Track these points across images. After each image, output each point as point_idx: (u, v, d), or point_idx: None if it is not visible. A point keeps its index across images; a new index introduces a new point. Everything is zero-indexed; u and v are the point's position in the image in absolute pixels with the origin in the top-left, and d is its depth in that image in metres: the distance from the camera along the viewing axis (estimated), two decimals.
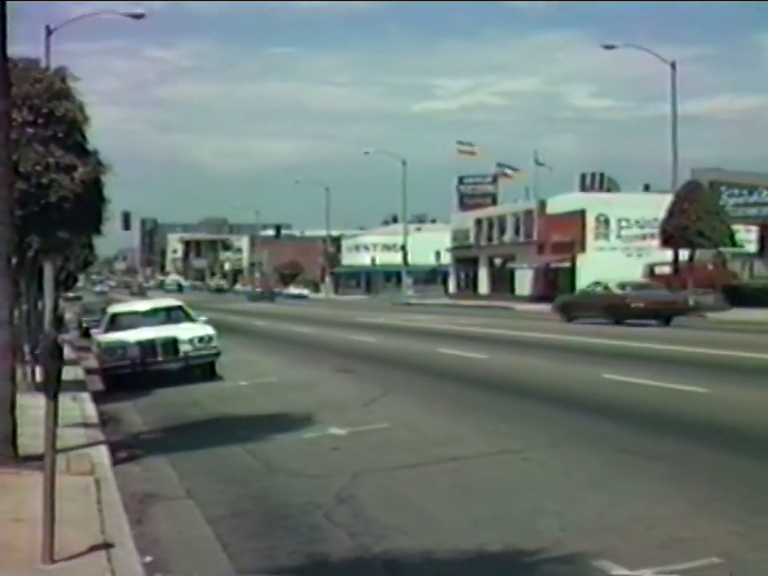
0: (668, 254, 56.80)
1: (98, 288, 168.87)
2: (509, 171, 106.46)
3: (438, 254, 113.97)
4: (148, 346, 24.54)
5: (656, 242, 59.74)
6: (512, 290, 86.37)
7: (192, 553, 9.03)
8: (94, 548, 8.23)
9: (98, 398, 21.33)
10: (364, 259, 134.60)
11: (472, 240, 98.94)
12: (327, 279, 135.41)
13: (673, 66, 57.56)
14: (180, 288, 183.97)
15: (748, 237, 66.79)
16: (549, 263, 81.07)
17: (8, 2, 11.95)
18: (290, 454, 13.95)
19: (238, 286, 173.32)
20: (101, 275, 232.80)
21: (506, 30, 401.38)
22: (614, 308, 43.54)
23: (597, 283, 48.69)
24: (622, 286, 46.59)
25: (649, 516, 9.32)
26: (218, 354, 25.64)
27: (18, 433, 12.12)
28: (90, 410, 18.42)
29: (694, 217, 51.53)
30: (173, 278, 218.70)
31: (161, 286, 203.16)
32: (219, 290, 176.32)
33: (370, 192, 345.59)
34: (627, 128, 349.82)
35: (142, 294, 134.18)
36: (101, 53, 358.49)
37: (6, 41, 11.94)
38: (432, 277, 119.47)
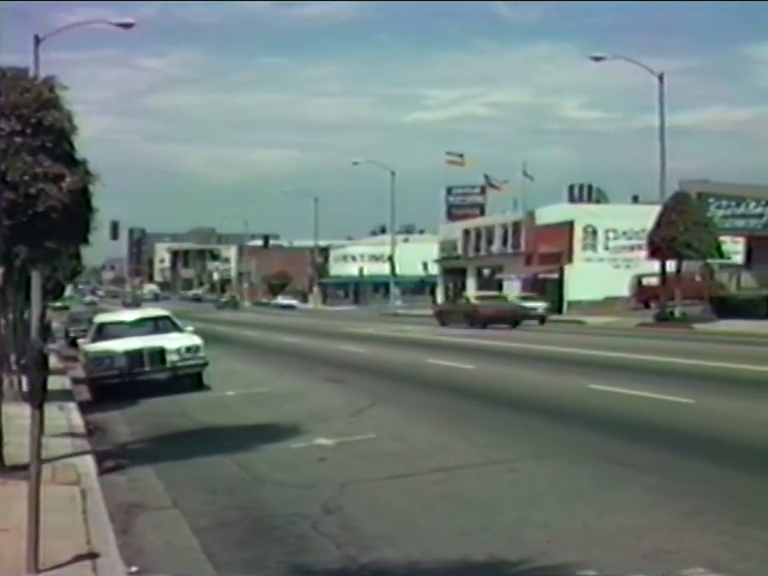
0: (656, 265, 56.86)
1: (87, 298, 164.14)
2: (498, 183, 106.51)
3: (425, 265, 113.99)
4: (135, 356, 24.50)
5: (644, 253, 59.83)
6: None
7: (178, 563, 9.00)
8: (79, 558, 8.21)
9: (84, 407, 21.28)
10: (352, 270, 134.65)
11: (460, 251, 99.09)
12: (315, 289, 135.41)
13: (660, 78, 57.74)
14: (156, 297, 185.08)
15: (735, 248, 66.79)
16: (537, 274, 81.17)
17: None
18: (278, 464, 13.94)
19: (209, 296, 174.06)
20: (89, 284, 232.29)
21: (495, 41, 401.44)
22: (470, 315, 55.71)
23: (462, 295, 63.54)
24: (478, 297, 61.36)
25: (635, 527, 9.33)
26: (205, 364, 25.60)
27: (4, 442, 12.11)
28: (77, 420, 18.39)
29: (681, 228, 51.64)
30: (149, 287, 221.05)
31: (118, 295, 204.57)
32: (196, 299, 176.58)
33: (359, 202, 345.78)
34: (616, 139, 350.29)
35: (137, 305, 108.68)
36: (91, 62, 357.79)
37: None
38: (420, 287, 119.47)
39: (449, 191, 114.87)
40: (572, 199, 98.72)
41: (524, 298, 66.12)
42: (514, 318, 54.92)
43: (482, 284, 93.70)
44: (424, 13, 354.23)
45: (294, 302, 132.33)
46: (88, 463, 13.30)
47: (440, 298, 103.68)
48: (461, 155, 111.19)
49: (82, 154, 18.88)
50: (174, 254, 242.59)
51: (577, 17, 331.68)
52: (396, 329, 54.35)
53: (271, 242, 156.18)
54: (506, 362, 29.57)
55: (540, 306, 63.44)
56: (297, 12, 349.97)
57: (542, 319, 60.24)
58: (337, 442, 15.37)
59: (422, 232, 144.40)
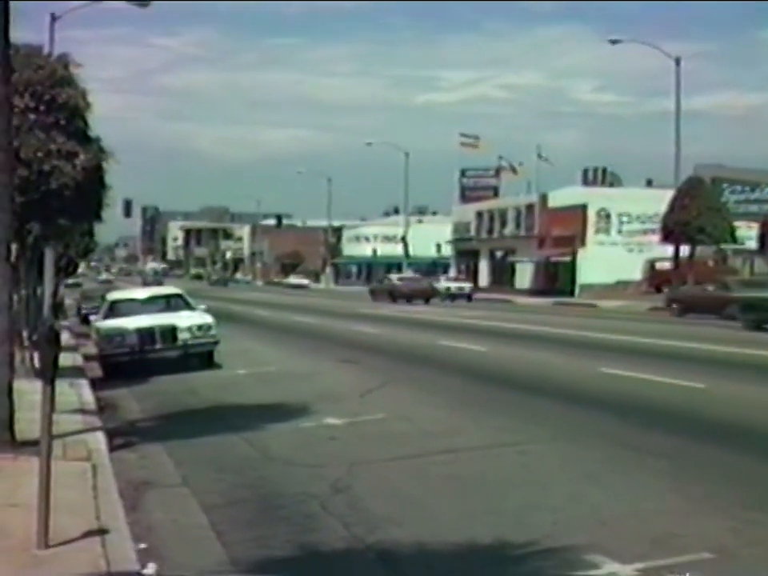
0: (669, 250, 56.80)
1: (102, 276, 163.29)
2: (515, 167, 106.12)
3: (438, 246, 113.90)
4: (147, 334, 24.55)
5: (657, 238, 59.73)
6: (512, 283, 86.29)
7: (186, 541, 9.05)
8: (88, 534, 8.25)
9: (95, 384, 21.34)
10: (365, 250, 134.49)
11: (473, 233, 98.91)
12: (328, 269, 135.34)
13: (677, 61, 57.52)
14: (156, 274, 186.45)
15: (749, 233, 66.71)
16: (549, 257, 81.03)
17: None
18: (287, 443, 13.98)
19: (207, 275, 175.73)
20: (101, 262, 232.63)
21: (509, 23, 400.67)
22: (391, 292, 70.32)
23: (387, 276, 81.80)
24: (398, 279, 76.41)
25: (643, 511, 9.34)
26: (216, 343, 25.65)
27: (16, 418, 12.14)
28: (88, 397, 18.44)
29: (695, 213, 51.56)
30: (150, 265, 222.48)
31: (131, 273, 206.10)
32: (198, 277, 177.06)
33: (372, 183, 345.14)
34: (630, 123, 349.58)
35: (159, 284, 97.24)
36: (104, 40, 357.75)
37: (8, 26, 11.93)
38: (433, 269, 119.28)
39: (462, 173, 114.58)
40: (585, 182, 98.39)
41: (454, 279, 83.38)
42: (425, 295, 68.94)
43: (495, 266, 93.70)
44: None
45: (305, 281, 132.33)
46: (98, 440, 13.35)
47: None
48: (476, 137, 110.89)
49: (95, 132, 18.98)
50: (187, 233, 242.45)
51: (591, 0, 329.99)
52: (408, 310, 54.36)
53: (284, 221, 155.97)
54: (519, 344, 29.54)
55: (466, 286, 78.42)
56: None
57: (469, 297, 73.84)
58: (346, 422, 15.40)
59: (435, 213, 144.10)
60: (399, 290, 69.99)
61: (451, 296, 72.84)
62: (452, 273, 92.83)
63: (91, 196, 18.99)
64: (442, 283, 78.36)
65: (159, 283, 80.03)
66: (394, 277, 79.05)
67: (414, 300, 67.15)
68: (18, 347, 19.04)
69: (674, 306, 46.78)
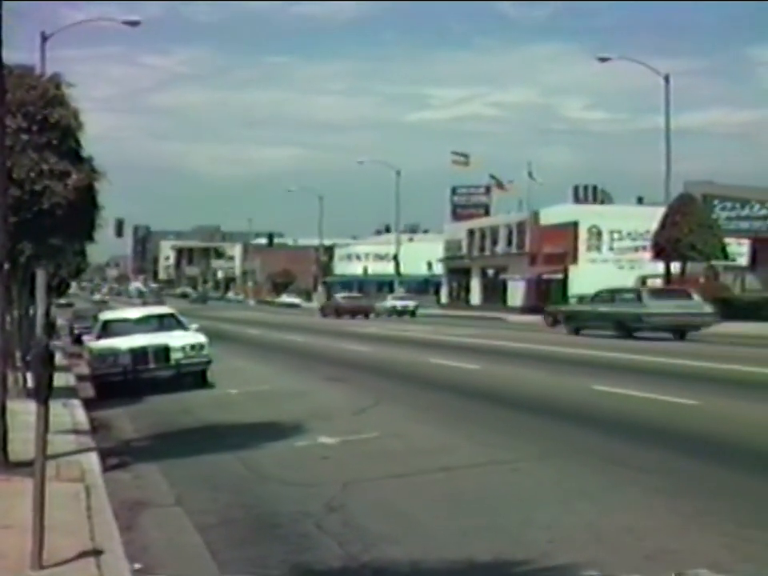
0: (660, 267, 56.91)
1: (96, 296, 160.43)
2: (506, 185, 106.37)
3: (430, 265, 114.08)
4: (140, 353, 24.54)
5: (648, 255, 59.90)
6: (504, 300, 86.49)
7: (181, 560, 9.02)
8: (83, 555, 8.23)
9: (88, 404, 21.30)
10: (356, 269, 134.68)
11: (464, 250, 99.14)
12: (319, 288, 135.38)
13: (666, 78, 57.77)
14: (141, 294, 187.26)
15: (740, 250, 66.96)
16: (541, 274, 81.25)
17: (3, 8, 11.96)
18: (281, 462, 13.96)
19: (188, 293, 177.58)
20: (92, 282, 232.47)
21: (500, 40, 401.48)
22: (336, 309, 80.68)
23: (334, 296, 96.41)
24: (342, 297, 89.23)
25: (638, 527, 9.35)
26: (209, 362, 25.64)
27: (9, 439, 12.12)
28: (81, 417, 18.41)
29: (686, 230, 51.72)
30: (135, 285, 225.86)
31: (121, 293, 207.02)
32: (184, 296, 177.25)
33: (363, 201, 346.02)
34: (621, 140, 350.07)
35: (160, 303, 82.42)
36: (96, 59, 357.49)
37: (0, 47, 11.95)
38: (424, 287, 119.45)
39: (453, 191, 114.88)
40: (577, 200, 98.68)
41: (401, 298, 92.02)
42: (365, 312, 79.36)
43: (487, 284, 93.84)
44: (429, 12, 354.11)
45: (297, 300, 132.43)
46: (92, 460, 13.32)
47: (444, 297, 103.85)
48: (466, 155, 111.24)
49: (87, 152, 18.98)
50: (179, 252, 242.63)
51: (582, 17, 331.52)
52: (399, 328, 54.39)
53: (276, 240, 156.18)
54: (511, 362, 29.58)
55: (411, 303, 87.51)
56: (302, 10, 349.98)
57: (413, 313, 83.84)
58: (340, 440, 15.39)
59: (426, 231, 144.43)
60: (343, 307, 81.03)
61: (397, 312, 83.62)
62: (399, 292, 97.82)
63: (83, 216, 18.98)
64: (389, 301, 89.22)
65: (161, 303, 80.00)
66: (338, 296, 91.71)
67: (356, 316, 76.98)
68: (11, 368, 19.00)
69: (548, 318, 53.42)
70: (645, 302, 42.10)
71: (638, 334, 40.98)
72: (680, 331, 41.12)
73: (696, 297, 44.60)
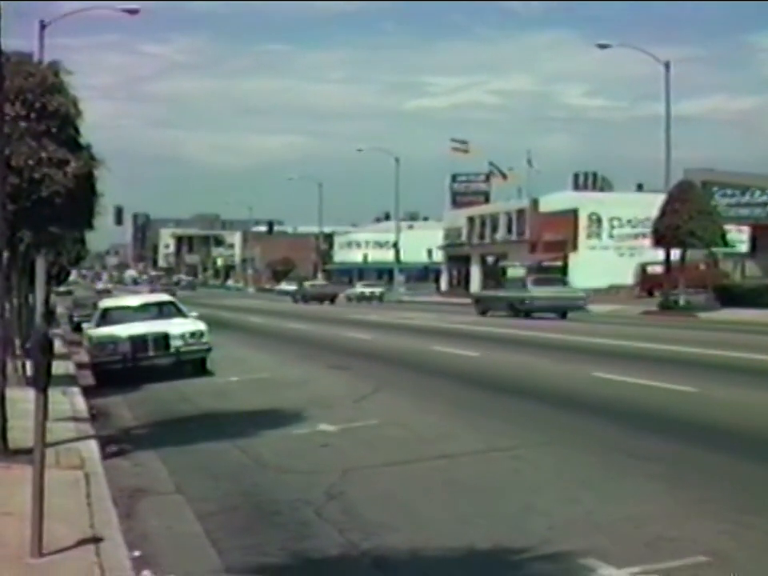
0: (660, 254, 56.86)
1: (100, 285, 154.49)
2: (504, 172, 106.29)
3: (430, 252, 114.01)
4: (139, 341, 24.52)
5: (648, 242, 59.83)
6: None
7: (181, 548, 9.03)
8: (82, 542, 8.24)
9: (88, 392, 21.32)
10: (356, 256, 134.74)
11: (464, 238, 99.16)
12: (319, 276, 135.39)
13: (666, 66, 57.62)
14: (135, 282, 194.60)
15: (740, 237, 66.86)
16: (541, 262, 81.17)
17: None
18: (280, 450, 13.96)
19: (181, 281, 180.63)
20: (92, 270, 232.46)
21: (499, 28, 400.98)
22: (304, 296, 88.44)
23: (303, 283, 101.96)
24: (310, 285, 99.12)
25: (638, 515, 9.34)
26: (209, 350, 25.63)
27: (9, 426, 12.12)
28: (80, 405, 18.42)
29: (686, 217, 51.59)
30: (129, 273, 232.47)
31: (120, 281, 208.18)
32: (176, 284, 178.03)
33: (363, 189, 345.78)
34: (621, 128, 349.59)
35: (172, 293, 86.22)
36: (95, 47, 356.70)
37: None
38: (424, 274, 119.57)
39: (453, 178, 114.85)
40: (576, 187, 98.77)
41: (369, 285, 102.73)
42: (331, 297, 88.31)
43: (486, 271, 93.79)
44: (428, 0, 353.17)
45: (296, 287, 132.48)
46: (91, 448, 13.33)
47: (444, 284, 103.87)
48: (465, 142, 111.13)
49: (86, 139, 18.95)
50: (179, 240, 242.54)
51: (580, 5, 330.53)
52: (400, 316, 54.39)
53: (275, 228, 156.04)
54: (511, 349, 29.57)
55: (378, 289, 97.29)
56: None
57: (380, 298, 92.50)
58: (340, 428, 15.39)
59: (426, 219, 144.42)
60: (310, 294, 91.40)
61: (366, 298, 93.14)
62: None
63: (82, 204, 18.94)
64: (358, 288, 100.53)
65: (173, 293, 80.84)
66: (307, 284, 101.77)
67: (323, 301, 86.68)
68: (11, 356, 19.00)
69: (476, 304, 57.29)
70: (528, 288, 51.53)
71: (528, 314, 49.15)
72: (560, 311, 49.50)
73: (571, 283, 56.76)
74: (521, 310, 49.75)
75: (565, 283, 57.03)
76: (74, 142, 18.18)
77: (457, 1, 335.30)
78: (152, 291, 73.91)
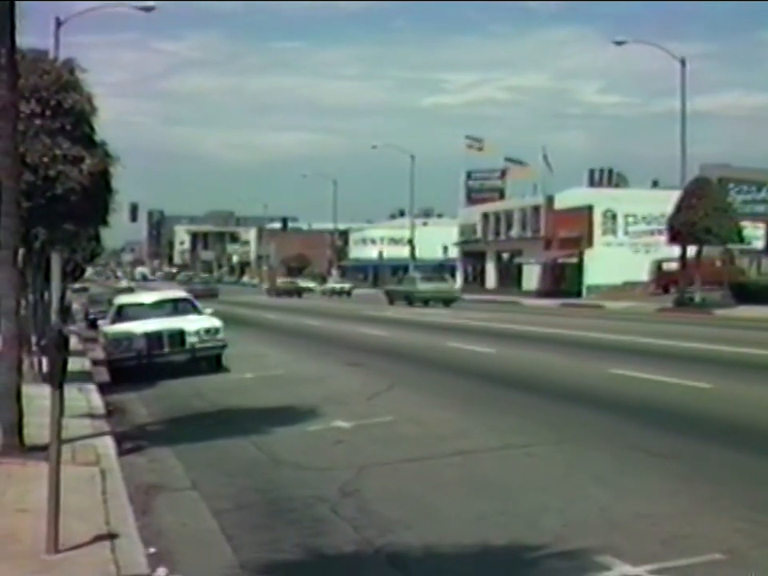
0: (675, 250, 56.69)
1: (123, 283, 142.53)
2: (521, 168, 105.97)
3: (445, 249, 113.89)
4: (155, 338, 24.57)
5: (663, 238, 59.62)
6: (519, 284, 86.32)
7: (196, 544, 9.04)
8: (98, 538, 8.25)
9: (103, 389, 21.38)
10: (371, 253, 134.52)
11: (479, 235, 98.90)
12: (334, 272, 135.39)
13: (683, 62, 57.48)
14: (144, 278, 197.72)
15: (756, 233, 66.55)
16: (556, 258, 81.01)
17: None
18: (295, 446, 13.97)
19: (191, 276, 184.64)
20: (107, 267, 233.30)
21: (513, 25, 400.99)
22: (277, 291, 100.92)
23: (275, 280, 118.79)
24: (280, 282, 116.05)
25: (652, 512, 9.32)
26: (224, 346, 25.66)
27: (24, 423, 12.16)
28: (96, 401, 18.47)
29: (701, 213, 51.44)
30: (139, 270, 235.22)
31: (132, 278, 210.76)
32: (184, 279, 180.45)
33: (378, 186, 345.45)
34: (636, 124, 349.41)
35: (212, 294, 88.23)
36: (109, 45, 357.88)
37: (14, 32, 11.96)
38: (439, 271, 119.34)
39: (468, 175, 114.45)
40: (592, 183, 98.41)
41: (338, 281, 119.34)
42: (297, 291, 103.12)
43: (501, 268, 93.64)
44: None
45: (311, 284, 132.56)
46: (107, 444, 13.36)
47: (459, 281, 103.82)
48: (479, 140, 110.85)
49: (100, 137, 19.01)
50: (194, 237, 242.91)
51: (595, 2, 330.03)
52: (415, 312, 54.36)
53: (290, 224, 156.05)
54: (527, 346, 29.53)
55: (347, 286, 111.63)
56: None
57: (348, 293, 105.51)
58: (354, 424, 15.39)
59: (441, 216, 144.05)
60: (281, 288, 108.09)
61: (336, 293, 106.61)
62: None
63: (97, 200, 19.01)
64: (329, 284, 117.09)
65: (213, 295, 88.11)
66: (279, 280, 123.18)
67: (292, 295, 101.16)
68: (26, 352, 19.06)
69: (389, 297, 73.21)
70: (417, 284, 68.67)
71: (425, 302, 64.84)
72: (442, 301, 64.51)
73: (450, 280, 77.82)
74: (413, 299, 66.27)
75: (445, 280, 74.99)
76: (88, 139, 18.25)
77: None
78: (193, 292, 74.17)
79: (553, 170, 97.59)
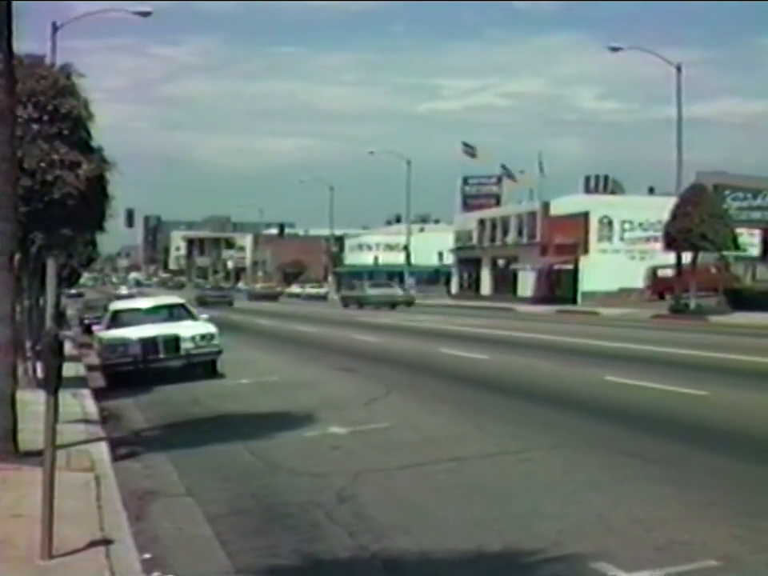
0: (671, 257, 56.74)
1: (123, 290, 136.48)
2: (514, 175, 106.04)
3: (440, 255, 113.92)
4: (150, 343, 24.55)
5: (659, 245, 59.68)
6: (514, 291, 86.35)
7: (191, 550, 9.03)
8: (92, 544, 8.24)
9: (98, 394, 21.34)
10: (367, 259, 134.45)
11: (475, 241, 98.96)
12: (330, 278, 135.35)
13: (678, 68, 57.55)
14: (138, 284, 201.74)
15: (751, 240, 66.69)
16: (552, 265, 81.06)
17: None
18: (291, 452, 13.96)
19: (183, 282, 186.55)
20: (102, 272, 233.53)
21: (510, 31, 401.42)
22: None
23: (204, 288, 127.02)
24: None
25: (648, 519, 9.32)
26: (219, 352, 25.66)
27: (19, 428, 12.13)
28: (91, 407, 18.44)
29: (697, 220, 51.49)
30: (133, 275, 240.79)
31: (124, 283, 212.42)
32: (181, 286, 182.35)
33: (374, 191, 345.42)
34: (632, 130, 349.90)
35: (228, 303, 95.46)
36: (106, 50, 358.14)
37: (11, 37, 11.95)
38: (435, 277, 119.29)
39: (464, 181, 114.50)
40: (588, 190, 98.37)
41: (313, 287, 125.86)
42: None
43: (497, 274, 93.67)
44: (440, 2, 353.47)
45: (321, 290, 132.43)
46: (102, 450, 13.34)
47: (454, 287, 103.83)
48: (472, 147, 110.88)
49: (97, 142, 19.00)
50: (190, 242, 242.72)
51: (592, 7, 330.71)
52: (410, 318, 54.38)
53: (286, 230, 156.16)
54: (521, 352, 29.54)
55: (323, 290, 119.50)
56: (312, 1, 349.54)
57: (324, 297, 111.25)
58: (350, 430, 15.39)
59: (437, 222, 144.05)
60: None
61: (314, 297, 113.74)
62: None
63: (94, 206, 19.00)
64: (306, 289, 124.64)
65: (229, 302, 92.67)
66: (258, 285, 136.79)
67: (268, 299, 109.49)
68: (21, 358, 19.03)
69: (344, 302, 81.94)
70: (366, 290, 79.80)
71: (366, 307, 72.76)
72: (388, 305, 71.43)
73: (395, 287, 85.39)
74: (363, 303, 74.40)
75: (391, 287, 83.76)
76: (85, 145, 18.25)
77: (467, 2, 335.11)
78: (204, 299, 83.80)
79: (545, 173, 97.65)
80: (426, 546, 8.67)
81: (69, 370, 22.06)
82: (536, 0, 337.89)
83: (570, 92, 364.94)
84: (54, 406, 8.24)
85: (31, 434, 12.11)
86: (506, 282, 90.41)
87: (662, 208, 59.52)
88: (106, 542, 8.33)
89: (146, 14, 43.58)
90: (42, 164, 17.05)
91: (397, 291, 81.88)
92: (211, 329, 25.72)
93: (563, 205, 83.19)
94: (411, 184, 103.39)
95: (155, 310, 27.58)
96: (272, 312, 70.48)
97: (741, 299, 52.61)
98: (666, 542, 8.50)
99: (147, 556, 8.46)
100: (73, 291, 76.18)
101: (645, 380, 20.05)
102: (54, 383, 8.31)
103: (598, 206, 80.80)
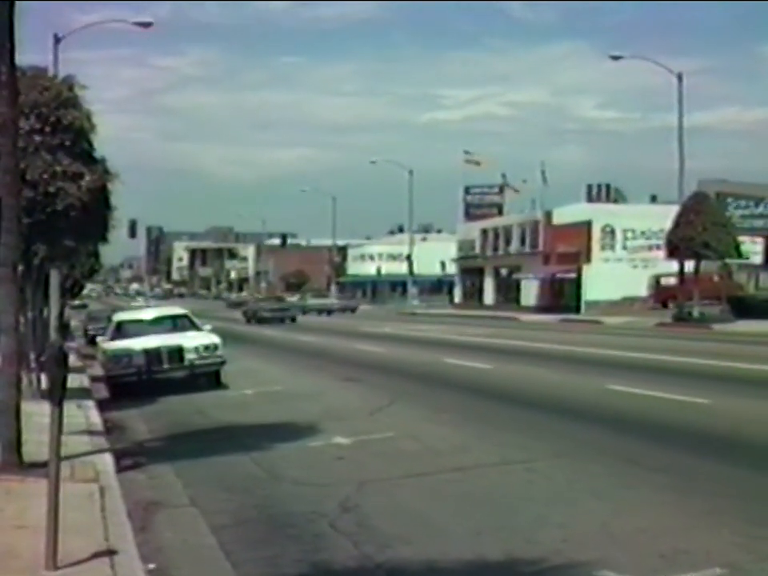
0: (674, 265, 56.70)
1: (138, 301, 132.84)
2: (515, 188, 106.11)
3: (443, 264, 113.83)
4: (153, 354, 24.56)
5: (662, 253, 59.62)
6: (517, 300, 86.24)
7: (195, 561, 9.04)
8: (97, 555, 8.25)
9: (102, 405, 21.36)
10: (370, 269, 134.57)
11: (478, 250, 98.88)
12: (333, 288, 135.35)
13: (679, 77, 57.58)
14: (139, 295, 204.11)
15: (754, 248, 66.56)
16: (554, 274, 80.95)
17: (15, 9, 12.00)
18: (295, 462, 13.97)
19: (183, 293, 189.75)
20: (104, 283, 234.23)
21: (511, 40, 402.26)
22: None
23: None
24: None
25: (651, 527, 9.32)
26: (223, 363, 25.66)
27: (23, 440, 12.14)
28: (95, 418, 18.45)
29: (700, 228, 51.43)
30: (134, 287, 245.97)
31: (126, 293, 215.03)
32: (179, 296, 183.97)
33: (376, 201, 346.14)
34: (633, 139, 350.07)
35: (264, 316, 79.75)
36: (108, 61, 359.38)
37: (14, 49, 12.00)
38: (437, 287, 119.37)
39: (467, 191, 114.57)
40: (590, 199, 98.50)
41: (292, 296, 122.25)
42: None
43: (500, 283, 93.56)
44: (440, 12, 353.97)
45: (328, 301, 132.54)
46: (106, 461, 13.35)
47: (457, 297, 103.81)
48: (477, 159, 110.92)
49: (100, 153, 19.04)
50: (192, 253, 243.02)
51: (593, 16, 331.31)
52: (413, 328, 54.37)
53: (289, 240, 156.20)
54: (525, 361, 29.53)
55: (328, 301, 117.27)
56: (312, 12, 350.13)
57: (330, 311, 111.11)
58: (354, 440, 15.39)
59: (439, 231, 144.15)
60: (233, 302, 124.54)
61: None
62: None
63: (97, 217, 19.04)
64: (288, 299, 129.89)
65: (291, 318, 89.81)
66: (232, 295, 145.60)
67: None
68: (25, 369, 19.05)
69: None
70: (308, 300, 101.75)
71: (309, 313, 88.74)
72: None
73: (331, 297, 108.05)
74: (306, 311, 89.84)
75: (327, 297, 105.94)
76: (88, 156, 18.28)
77: (467, 12, 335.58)
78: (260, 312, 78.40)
79: (548, 184, 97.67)
80: (430, 556, 8.68)
81: (73, 381, 22.06)
82: (537, 9, 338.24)
83: (571, 101, 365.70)
84: (59, 417, 8.26)
85: (35, 445, 12.13)
86: (509, 292, 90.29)
87: (664, 216, 59.48)
88: (111, 552, 8.35)
89: (147, 25, 43.66)
90: (45, 175, 17.09)
91: (332, 301, 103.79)
92: (215, 339, 25.72)
93: (565, 214, 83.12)
94: (413, 194, 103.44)
95: (159, 320, 27.61)
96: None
97: (744, 307, 52.56)
98: (670, 551, 8.51)
99: (152, 566, 8.47)
100: (77, 302, 76.14)
101: (648, 389, 20.04)
102: (58, 394, 8.33)
103: (600, 214, 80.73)
